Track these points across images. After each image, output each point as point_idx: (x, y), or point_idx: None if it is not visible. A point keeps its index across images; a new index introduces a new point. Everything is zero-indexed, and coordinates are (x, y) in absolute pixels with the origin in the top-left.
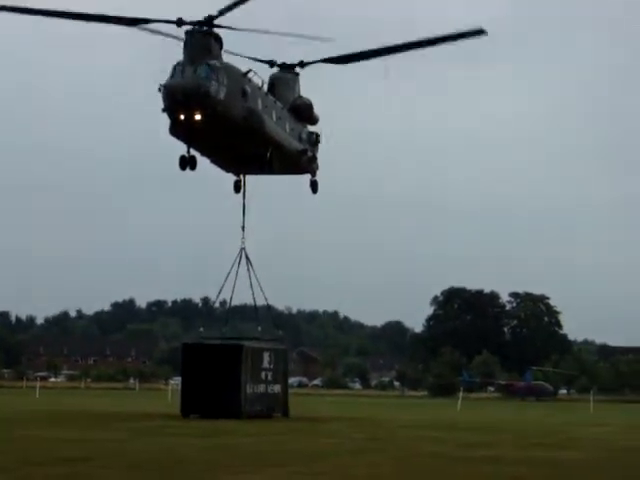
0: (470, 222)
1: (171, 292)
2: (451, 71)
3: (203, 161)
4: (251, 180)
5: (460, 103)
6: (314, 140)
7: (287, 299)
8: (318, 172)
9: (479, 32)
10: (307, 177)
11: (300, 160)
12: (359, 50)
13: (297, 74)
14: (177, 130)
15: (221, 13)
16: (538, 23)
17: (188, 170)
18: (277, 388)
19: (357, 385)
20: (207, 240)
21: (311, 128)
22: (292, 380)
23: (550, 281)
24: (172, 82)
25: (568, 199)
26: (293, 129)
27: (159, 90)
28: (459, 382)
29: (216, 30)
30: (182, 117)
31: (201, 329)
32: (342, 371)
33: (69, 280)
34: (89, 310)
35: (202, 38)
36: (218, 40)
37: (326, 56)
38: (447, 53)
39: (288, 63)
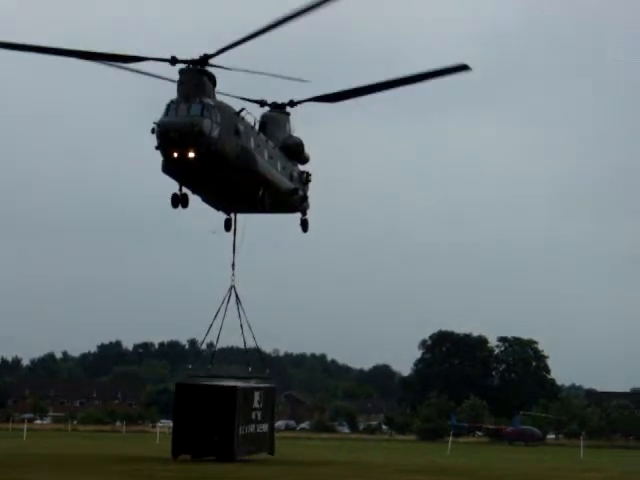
0: (458, 266)
1: (158, 334)
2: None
3: (194, 199)
4: (241, 219)
5: (449, 141)
6: (305, 179)
7: (274, 342)
8: (308, 211)
9: (463, 68)
10: (297, 216)
11: (291, 199)
12: (347, 88)
13: (288, 113)
14: (170, 168)
15: (219, 52)
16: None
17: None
18: (265, 427)
19: (345, 429)
20: (194, 282)
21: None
22: (280, 423)
23: (538, 325)
24: (166, 120)
25: (555, 241)
26: (284, 168)
27: (152, 131)
28: (448, 426)
29: (209, 69)
30: (175, 155)
31: (189, 366)
32: (330, 414)
33: (55, 321)
34: (75, 352)
35: (196, 76)
36: (212, 79)
37: (315, 95)
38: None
39: (279, 102)
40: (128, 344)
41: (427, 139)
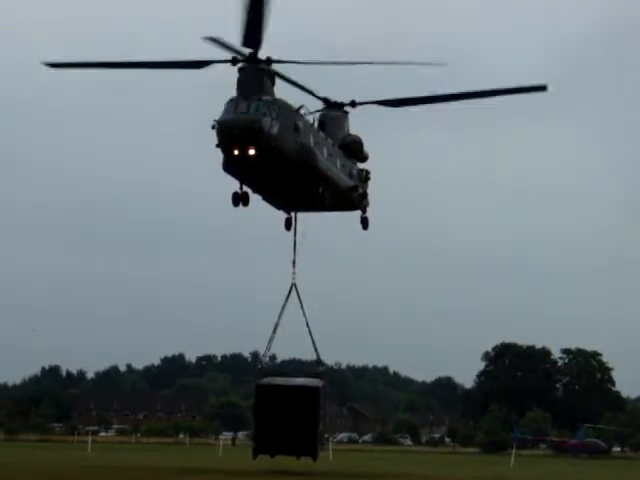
0: (521, 277)
1: (221, 346)
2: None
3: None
4: (302, 219)
5: (513, 159)
6: (364, 177)
7: (336, 354)
8: (368, 209)
9: (541, 88)
10: (358, 214)
11: (351, 196)
12: (412, 96)
13: (347, 113)
14: (231, 166)
15: (280, 61)
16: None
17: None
18: (322, 425)
19: (408, 441)
20: (258, 294)
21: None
22: (342, 436)
23: (602, 336)
24: (226, 118)
25: (619, 251)
26: (344, 165)
27: (213, 127)
28: (512, 439)
29: (269, 67)
30: (236, 152)
31: (259, 366)
32: (392, 427)
33: (119, 334)
34: (139, 364)
35: (255, 74)
36: (270, 76)
37: (378, 99)
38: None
39: (340, 102)
40: (191, 357)
41: (491, 148)
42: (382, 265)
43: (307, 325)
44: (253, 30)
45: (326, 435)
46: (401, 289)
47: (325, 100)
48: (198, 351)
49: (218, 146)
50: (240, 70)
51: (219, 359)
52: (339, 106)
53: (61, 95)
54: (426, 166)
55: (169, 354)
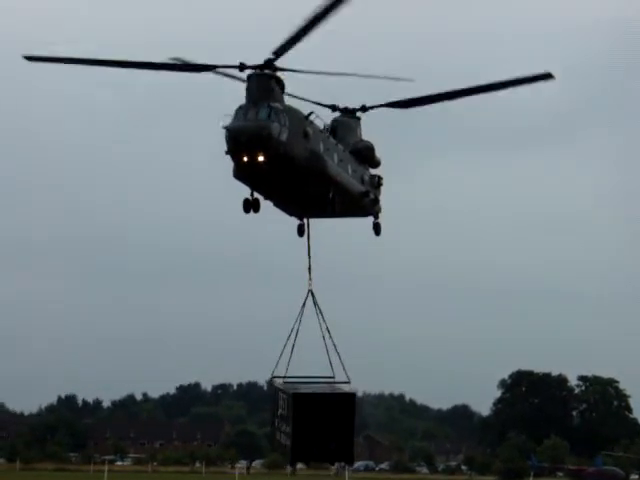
0: (536, 304)
1: (236, 375)
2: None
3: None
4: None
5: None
6: (376, 183)
7: (352, 381)
8: (381, 215)
9: (546, 76)
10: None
11: (362, 202)
12: (421, 95)
13: (359, 118)
14: (241, 173)
15: (276, 54)
16: None
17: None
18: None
19: (424, 469)
20: (273, 323)
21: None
22: (359, 464)
23: (619, 363)
24: (234, 124)
25: (635, 279)
26: (355, 171)
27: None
28: (529, 467)
29: (278, 73)
30: (245, 159)
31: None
32: (409, 455)
33: (135, 363)
34: (155, 393)
35: (264, 81)
36: (280, 82)
37: (389, 100)
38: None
39: (350, 107)
40: (207, 385)
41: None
42: (397, 291)
43: (327, 330)
44: (290, 42)
45: (342, 463)
46: (416, 316)
47: (333, 107)
48: (214, 380)
49: (227, 153)
50: (249, 77)
51: (235, 387)
52: (349, 112)
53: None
54: (440, 193)
55: (185, 383)
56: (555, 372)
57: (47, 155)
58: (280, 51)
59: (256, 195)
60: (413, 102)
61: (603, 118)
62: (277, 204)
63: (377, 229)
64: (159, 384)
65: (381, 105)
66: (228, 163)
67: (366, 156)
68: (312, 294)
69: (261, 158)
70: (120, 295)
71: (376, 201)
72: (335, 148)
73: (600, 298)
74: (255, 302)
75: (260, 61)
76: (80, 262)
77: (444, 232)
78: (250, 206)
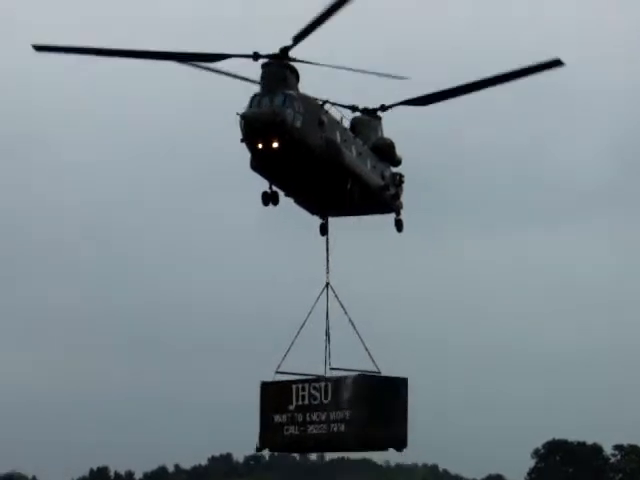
0: (569, 370)
1: None
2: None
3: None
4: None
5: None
6: (398, 181)
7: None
8: (402, 212)
9: (556, 63)
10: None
11: (382, 196)
12: (437, 90)
13: (379, 117)
14: (257, 162)
15: (295, 41)
16: None
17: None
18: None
19: None
20: None
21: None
22: None
23: None
24: (249, 112)
25: None
26: (375, 167)
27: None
28: None
29: (293, 64)
30: (260, 145)
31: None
32: None
33: (167, 434)
34: (187, 464)
35: (278, 69)
36: (294, 72)
37: (407, 97)
38: None
39: (370, 108)
40: (239, 456)
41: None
42: (426, 357)
43: (351, 322)
44: (309, 30)
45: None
46: (447, 382)
47: (353, 107)
48: (246, 450)
49: (242, 140)
50: (264, 65)
51: (267, 458)
52: (369, 112)
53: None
54: (459, 261)
55: (216, 454)
56: (590, 441)
57: None
58: (300, 36)
59: (275, 189)
60: (430, 98)
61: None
62: (297, 200)
63: (399, 226)
64: (191, 455)
65: (399, 103)
66: None
67: (386, 153)
68: (331, 287)
69: (275, 144)
70: (152, 367)
71: (397, 197)
72: (353, 141)
73: (635, 365)
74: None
75: (275, 51)
76: (115, 332)
77: (472, 296)
78: (269, 199)
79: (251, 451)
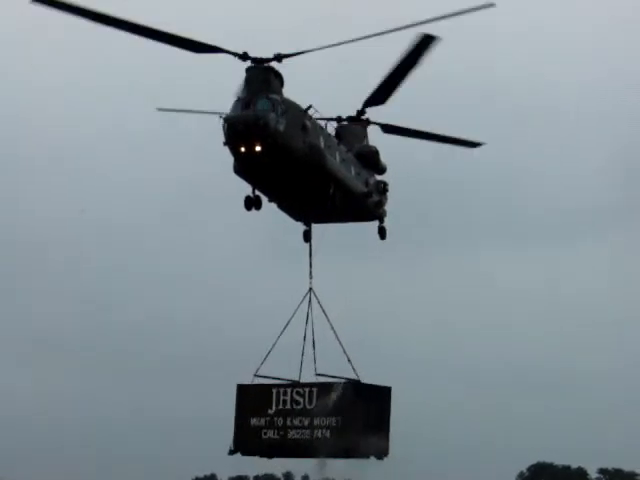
0: (555, 392)
1: (253, 467)
2: None
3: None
4: None
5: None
6: (382, 188)
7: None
8: (386, 219)
9: (475, 144)
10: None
11: (365, 203)
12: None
13: (365, 126)
14: (240, 165)
15: (293, 54)
16: None
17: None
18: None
19: None
20: None
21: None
22: None
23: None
24: (232, 115)
25: None
26: (359, 174)
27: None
28: None
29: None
30: (242, 149)
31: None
32: None
33: (148, 454)
34: None
35: (262, 73)
36: (278, 76)
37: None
38: None
39: (354, 116)
40: (223, 477)
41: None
42: (410, 373)
43: (332, 329)
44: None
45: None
46: (430, 405)
47: (338, 118)
48: (230, 471)
49: (225, 144)
50: (248, 69)
51: (251, 479)
52: (354, 120)
53: None
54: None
55: (200, 474)
56: (575, 464)
57: None
58: (298, 53)
59: (257, 193)
60: (391, 129)
61: None
62: (281, 205)
63: (382, 233)
64: (174, 476)
65: (377, 123)
66: None
67: (370, 160)
68: (314, 293)
69: (258, 148)
70: (149, 392)
71: (380, 204)
72: (337, 147)
73: (621, 388)
74: None
75: (267, 55)
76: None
77: (464, 320)
78: (252, 203)
79: (237, 472)
